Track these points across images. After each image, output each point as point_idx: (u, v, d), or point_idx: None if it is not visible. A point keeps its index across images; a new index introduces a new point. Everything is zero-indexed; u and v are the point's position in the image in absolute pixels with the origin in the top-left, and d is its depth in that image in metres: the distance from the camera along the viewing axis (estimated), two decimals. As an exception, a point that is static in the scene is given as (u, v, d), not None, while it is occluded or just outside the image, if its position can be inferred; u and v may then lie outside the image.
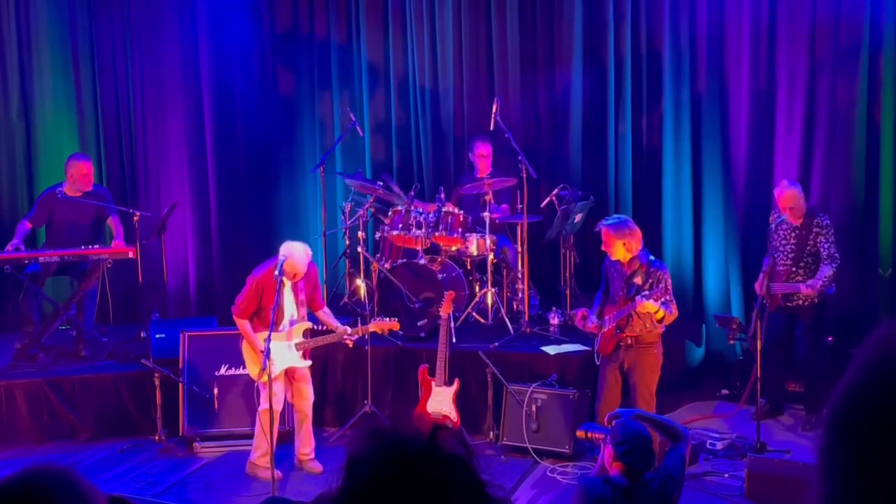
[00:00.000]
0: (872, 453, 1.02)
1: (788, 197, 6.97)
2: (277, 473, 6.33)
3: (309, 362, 6.65)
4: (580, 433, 4.53)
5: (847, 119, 7.78)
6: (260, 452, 6.57)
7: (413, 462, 1.42)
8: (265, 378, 6.18)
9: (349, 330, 6.67)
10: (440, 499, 1.41)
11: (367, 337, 7.22)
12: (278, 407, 6.51)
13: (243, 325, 6.54)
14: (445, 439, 1.45)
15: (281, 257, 6.36)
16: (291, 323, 6.57)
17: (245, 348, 6.61)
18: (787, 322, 7.17)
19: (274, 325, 6.26)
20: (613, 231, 6.20)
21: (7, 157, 9.36)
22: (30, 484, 1.57)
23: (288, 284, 6.48)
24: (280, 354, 6.45)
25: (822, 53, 7.84)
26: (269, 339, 6.09)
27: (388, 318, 6.83)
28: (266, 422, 6.28)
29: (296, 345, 6.55)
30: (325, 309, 6.87)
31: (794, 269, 7.04)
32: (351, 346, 6.83)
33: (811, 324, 7.10)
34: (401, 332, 7.53)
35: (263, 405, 6.37)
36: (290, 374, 6.63)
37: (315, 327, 6.91)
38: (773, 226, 7.16)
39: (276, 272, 6.30)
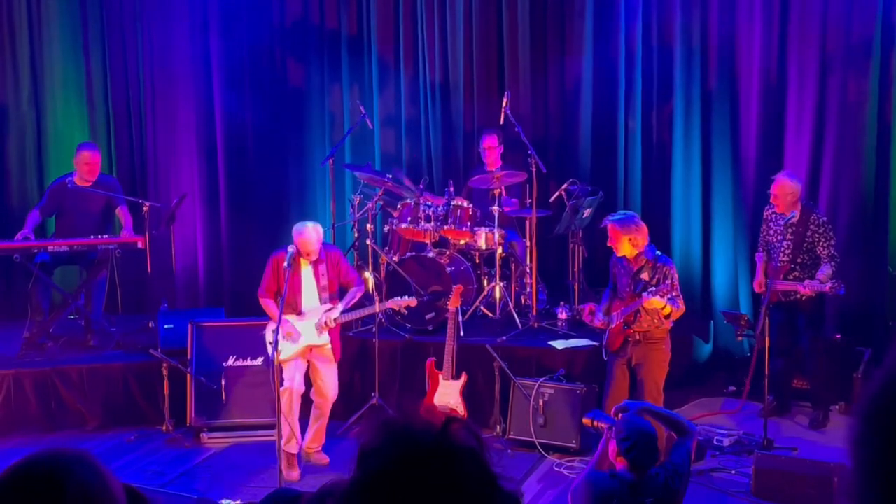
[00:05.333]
0: None
1: (778, 184, 7.01)
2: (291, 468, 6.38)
3: (327, 338, 6.56)
4: (586, 420, 4.54)
5: (858, 116, 7.76)
6: (284, 438, 6.36)
7: (425, 454, 1.42)
8: (279, 359, 6.17)
9: (379, 305, 6.77)
10: (453, 491, 1.41)
11: (374, 330, 7.24)
12: (293, 387, 6.45)
13: (266, 304, 6.57)
14: (458, 431, 1.45)
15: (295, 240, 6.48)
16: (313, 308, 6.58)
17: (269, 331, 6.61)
18: (787, 316, 7.17)
19: (291, 308, 6.43)
20: (619, 227, 6.19)
21: (17, 146, 9.38)
22: (50, 464, 1.57)
23: (309, 269, 6.46)
24: (300, 332, 6.48)
25: (833, 50, 7.81)
26: (276, 332, 6.11)
27: (404, 297, 6.90)
28: (284, 404, 6.29)
29: (315, 324, 6.54)
30: (353, 289, 6.75)
31: (791, 265, 7.03)
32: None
33: (811, 317, 7.10)
34: (409, 325, 7.54)
35: (284, 385, 6.38)
36: (312, 362, 6.58)
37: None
38: (765, 215, 7.21)
39: (288, 259, 6.34)
